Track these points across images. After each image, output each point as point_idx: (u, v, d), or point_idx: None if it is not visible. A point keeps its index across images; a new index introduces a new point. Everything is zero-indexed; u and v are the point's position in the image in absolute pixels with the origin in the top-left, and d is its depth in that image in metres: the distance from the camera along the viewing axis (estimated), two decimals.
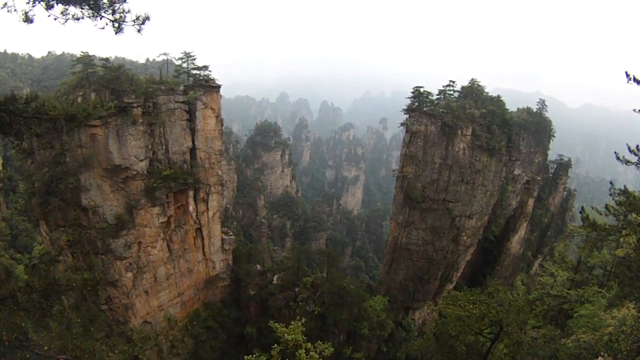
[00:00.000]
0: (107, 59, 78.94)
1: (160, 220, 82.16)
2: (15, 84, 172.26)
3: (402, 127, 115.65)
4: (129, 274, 78.95)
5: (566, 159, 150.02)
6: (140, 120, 75.64)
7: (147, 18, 17.27)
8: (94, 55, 77.74)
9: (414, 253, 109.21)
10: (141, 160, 76.69)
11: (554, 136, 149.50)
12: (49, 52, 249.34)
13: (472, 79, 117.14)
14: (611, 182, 34.24)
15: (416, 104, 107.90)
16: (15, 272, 71.13)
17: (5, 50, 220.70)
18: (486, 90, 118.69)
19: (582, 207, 34.10)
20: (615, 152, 30.74)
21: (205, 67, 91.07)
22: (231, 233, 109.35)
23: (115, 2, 16.67)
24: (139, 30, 17.30)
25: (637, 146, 28.06)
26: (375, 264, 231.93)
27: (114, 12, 16.81)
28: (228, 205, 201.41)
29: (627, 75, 25.14)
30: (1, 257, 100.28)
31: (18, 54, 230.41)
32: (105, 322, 77.05)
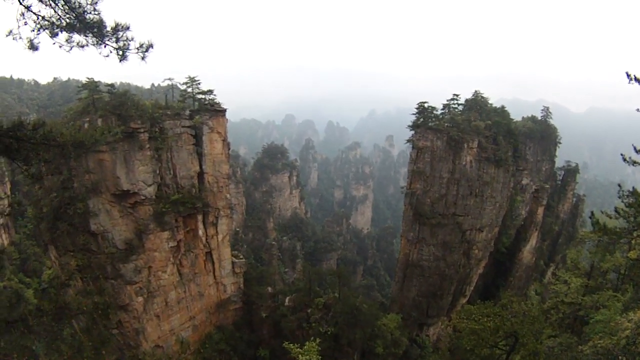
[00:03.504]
0: (112, 85, 79.79)
1: (170, 245, 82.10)
2: (22, 110, 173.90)
3: (408, 144, 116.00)
4: (140, 299, 78.79)
5: (573, 164, 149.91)
6: (147, 145, 75.95)
7: (151, 45, 17.49)
8: (99, 81, 78.35)
9: (426, 269, 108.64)
10: (149, 185, 76.89)
11: (560, 143, 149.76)
12: (55, 78, 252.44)
13: (476, 91, 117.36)
14: (619, 185, 34.13)
15: (421, 119, 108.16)
16: (25, 295, 71.29)
17: (11, 76, 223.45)
18: (490, 102, 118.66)
19: (592, 212, 33.93)
20: (621, 154, 30.66)
21: (210, 92, 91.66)
22: (241, 256, 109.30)
23: (118, 30, 16.93)
24: (143, 58, 17.50)
25: None
26: (387, 282, 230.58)
27: (117, 40, 17.04)
28: (238, 229, 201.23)
29: (628, 75, 25.18)
30: (11, 281, 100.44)
31: (24, 79, 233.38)
32: (116, 345, 76.79)
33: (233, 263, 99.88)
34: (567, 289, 57.06)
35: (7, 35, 15.85)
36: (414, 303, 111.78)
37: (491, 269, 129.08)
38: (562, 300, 55.90)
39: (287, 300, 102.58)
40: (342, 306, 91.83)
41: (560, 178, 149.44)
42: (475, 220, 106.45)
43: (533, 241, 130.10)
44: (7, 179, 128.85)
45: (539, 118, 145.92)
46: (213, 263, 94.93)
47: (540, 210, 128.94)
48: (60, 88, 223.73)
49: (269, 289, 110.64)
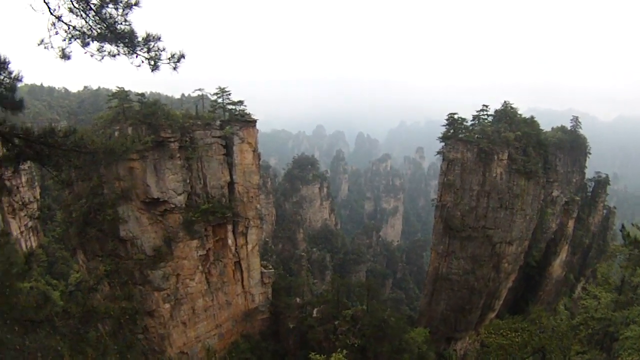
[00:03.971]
0: (142, 94, 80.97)
1: (199, 253, 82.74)
2: (52, 117, 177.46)
3: (438, 156, 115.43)
4: (167, 305, 79.44)
5: (604, 175, 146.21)
6: (178, 155, 76.92)
7: (182, 56, 17.51)
8: (129, 91, 79.68)
9: (455, 283, 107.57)
10: (179, 194, 77.73)
11: (590, 153, 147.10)
12: (85, 87, 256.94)
13: (505, 102, 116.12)
14: None
15: (451, 131, 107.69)
16: (52, 297, 72.33)
17: (41, 84, 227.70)
18: (520, 112, 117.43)
19: (622, 225, 33.41)
20: None
21: (241, 102, 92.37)
22: (270, 266, 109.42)
23: (150, 41, 16.98)
24: (174, 68, 17.51)
25: None
26: (416, 295, 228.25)
27: (149, 50, 17.06)
28: (267, 239, 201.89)
29: None
30: (38, 282, 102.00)
31: (54, 87, 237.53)
32: (141, 350, 77.41)
33: (262, 273, 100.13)
34: (597, 304, 55.83)
35: (38, 45, 16.06)
36: (442, 317, 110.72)
37: (521, 283, 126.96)
38: (591, 316, 54.65)
39: (314, 312, 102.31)
40: (369, 319, 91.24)
41: (591, 189, 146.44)
42: (505, 233, 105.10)
43: (563, 255, 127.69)
44: (37, 183, 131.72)
45: (569, 128, 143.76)
46: (242, 272, 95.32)
47: (571, 223, 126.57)
48: (91, 96, 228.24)
49: (297, 299, 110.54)
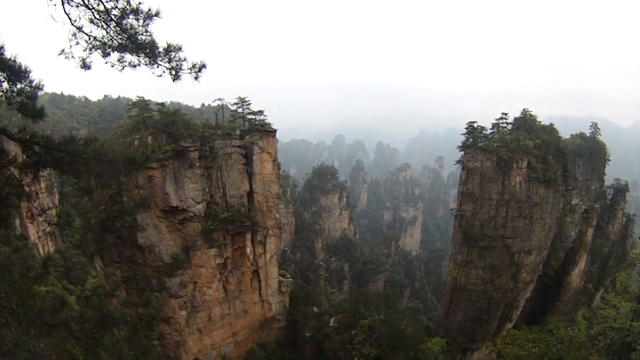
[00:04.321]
0: (162, 104, 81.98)
1: (217, 262, 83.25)
2: (72, 125, 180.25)
3: (458, 165, 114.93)
4: (183, 312, 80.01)
5: (623, 182, 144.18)
6: (197, 164, 77.64)
7: (204, 66, 17.46)
8: (149, 100, 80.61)
9: (473, 293, 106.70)
10: (198, 203, 78.38)
11: (609, 160, 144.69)
12: (105, 96, 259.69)
13: (524, 109, 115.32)
14: None
15: (471, 139, 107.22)
16: (68, 301, 72.93)
17: (61, 92, 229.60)
18: (539, 119, 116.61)
19: None
20: None
21: (261, 112, 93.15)
22: (289, 275, 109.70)
23: (171, 51, 17.03)
24: (196, 78, 17.50)
25: None
26: (434, 305, 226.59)
27: (170, 61, 17.11)
28: (286, 248, 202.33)
29: None
30: (54, 287, 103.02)
31: (74, 96, 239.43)
32: (156, 356, 77.79)
33: (280, 282, 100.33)
34: (615, 314, 55.07)
35: (59, 54, 16.29)
36: (459, 327, 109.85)
37: (538, 293, 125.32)
38: (610, 326, 53.94)
39: (331, 321, 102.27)
40: (386, 328, 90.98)
41: (610, 197, 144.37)
42: (524, 242, 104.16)
43: (582, 264, 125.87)
44: (55, 190, 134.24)
45: (588, 135, 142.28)
46: (259, 281, 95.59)
47: (590, 232, 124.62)
48: (111, 105, 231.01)
49: (315, 309, 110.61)
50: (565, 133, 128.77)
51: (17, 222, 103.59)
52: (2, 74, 15.49)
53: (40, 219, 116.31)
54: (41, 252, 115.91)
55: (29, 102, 16.00)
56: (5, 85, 15.71)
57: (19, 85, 15.86)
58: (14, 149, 18.14)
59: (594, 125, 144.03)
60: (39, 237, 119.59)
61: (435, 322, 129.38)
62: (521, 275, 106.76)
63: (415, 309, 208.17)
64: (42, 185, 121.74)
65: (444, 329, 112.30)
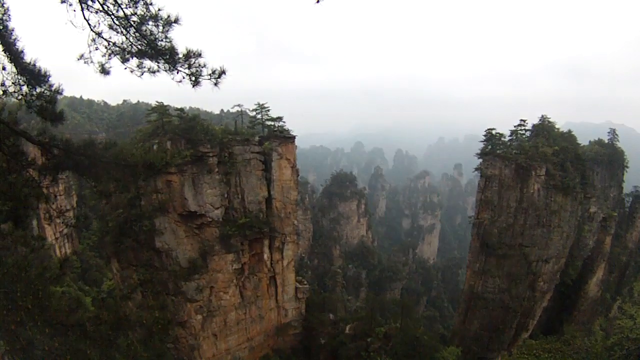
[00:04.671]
0: (182, 109, 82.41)
1: (234, 267, 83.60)
2: (91, 129, 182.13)
3: (476, 172, 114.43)
4: (199, 317, 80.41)
5: None
6: (216, 170, 78.13)
7: (223, 72, 17.41)
8: (168, 105, 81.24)
9: (490, 301, 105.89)
10: (217, 208, 78.83)
11: (627, 167, 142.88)
12: (124, 101, 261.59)
13: (543, 116, 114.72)
14: None
15: (489, 147, 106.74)
16: (84, 302, 73.54)
17: (81, 96, 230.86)
18: (557, 126, 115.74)
19: None
20: None
21: (280, 119, 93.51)
22: (305, 282, 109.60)
23: (190, 57, 17.13)
24: (215, 84, 17.52)
25: None
26: (450, 314, 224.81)
27: (189, 67, 17.21)
28: (303, 255, 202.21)
29: None
30: (70, 287, 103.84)
31: (94, 100, 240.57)
32: (171, 359, 78.26)
33: (296, 288, 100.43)
34: (632, 324, 54.27)
35: (78, 59, 16.51)
36: (475, 336, 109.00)
37: (556, 302, 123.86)
38: (627, 336, 53.18)
39: (347, 328, 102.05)
40: (402, 337, 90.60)
41: (628, 204, 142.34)
42: (541, 251, 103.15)
43: (600, 273, 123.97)
44: (74, 192, 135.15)
45: (606, 141, 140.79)
46: (276, 287, 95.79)
47: (608, 240, 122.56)
48: (130, 110, 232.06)
49: (331, 316, 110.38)
50: (583, 140, 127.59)
51: (35, 223, 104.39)
52: (22, 78, 15.79)
53: (58, 220, 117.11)
54: (58, 253, 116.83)
55: (48, 105, 16.28)
56: (25, 88, 16.02)
57: (38, 89, 16.16)
58: (33, 151, 18.46)
59: (613, 132, 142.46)
60: (56, 239, 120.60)
61: (451, 331, 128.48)
62: (538, 284, 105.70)
63: (432, 318, 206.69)
64: (61, 187, 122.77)
65: (460, 337, 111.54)
